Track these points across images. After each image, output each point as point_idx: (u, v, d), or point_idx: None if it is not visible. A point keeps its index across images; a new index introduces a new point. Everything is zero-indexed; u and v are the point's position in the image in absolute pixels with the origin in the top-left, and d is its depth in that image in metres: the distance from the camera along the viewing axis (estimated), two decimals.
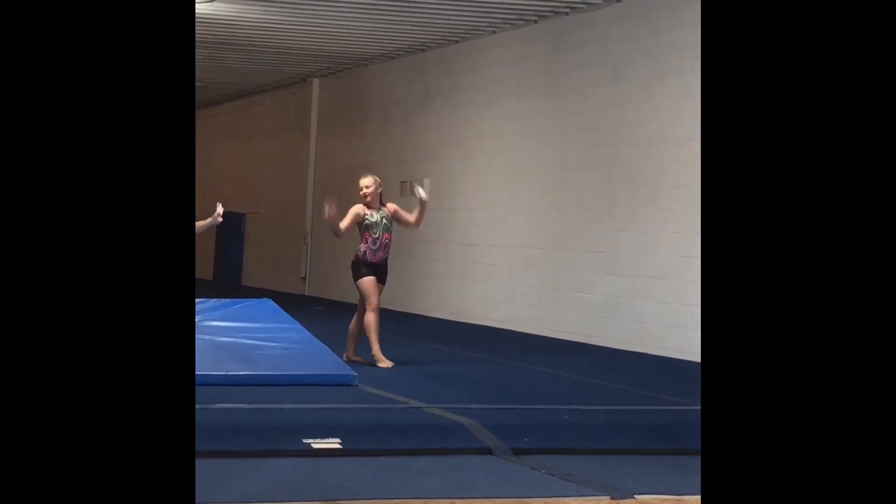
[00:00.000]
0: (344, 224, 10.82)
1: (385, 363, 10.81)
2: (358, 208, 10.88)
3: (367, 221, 10.81)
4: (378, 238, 10.81)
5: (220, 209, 10.98)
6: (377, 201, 10.89)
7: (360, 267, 10.89)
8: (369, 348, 10.89)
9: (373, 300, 10.84)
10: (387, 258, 10.95)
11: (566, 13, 15.24)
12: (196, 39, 19.77)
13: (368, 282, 10.83)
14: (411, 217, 11.02)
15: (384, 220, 10.86)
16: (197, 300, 11.90)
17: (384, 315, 11.44)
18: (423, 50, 18.56)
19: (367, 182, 10.88)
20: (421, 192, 11.00)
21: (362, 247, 10.85)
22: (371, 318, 10.83)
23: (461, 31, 16.91)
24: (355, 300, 11.23)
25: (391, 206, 11.05)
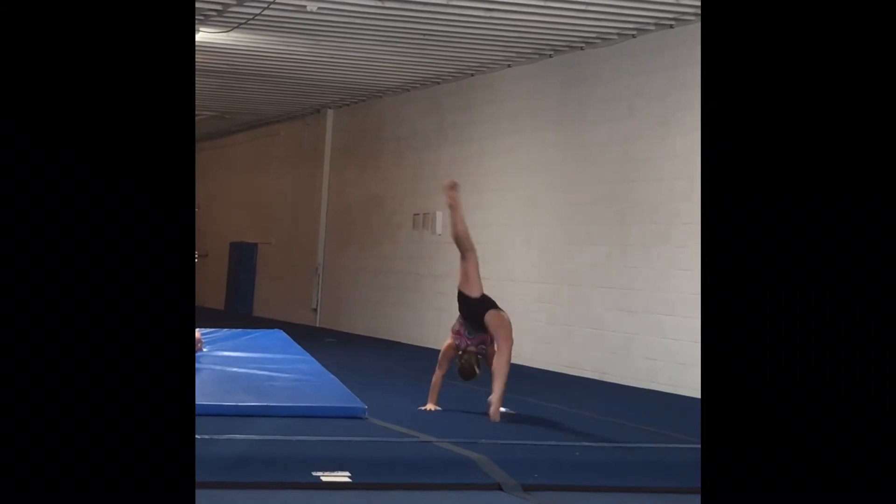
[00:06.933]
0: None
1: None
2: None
3: None
4: None
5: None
6: None
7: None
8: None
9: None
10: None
11: (581, 48, 15.26)
12: (212, 69, 19.69)
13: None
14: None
15: None
16: (208, 330, 11.90)
17: (391, 348, 11.28)
18: (438, 83, 18.59)
19: None
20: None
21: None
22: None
23: (476, 64, 16.94)
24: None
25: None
